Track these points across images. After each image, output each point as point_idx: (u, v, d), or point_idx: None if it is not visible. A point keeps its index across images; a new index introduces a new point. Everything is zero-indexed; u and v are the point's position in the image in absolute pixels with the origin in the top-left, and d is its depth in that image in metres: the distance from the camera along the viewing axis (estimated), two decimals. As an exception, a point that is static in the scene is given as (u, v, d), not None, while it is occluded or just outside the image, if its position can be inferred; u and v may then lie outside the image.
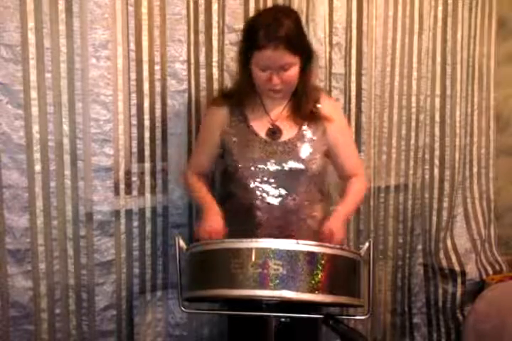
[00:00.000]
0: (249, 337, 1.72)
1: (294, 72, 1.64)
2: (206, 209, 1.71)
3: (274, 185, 1.72)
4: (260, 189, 1.72)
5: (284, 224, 1.75)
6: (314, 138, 1.75)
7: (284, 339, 1.46)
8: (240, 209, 1.74)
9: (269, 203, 1.73)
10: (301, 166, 1.72)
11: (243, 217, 1.74)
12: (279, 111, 1.77)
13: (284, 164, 1.71)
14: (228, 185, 1.80)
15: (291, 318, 1.39)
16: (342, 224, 1.69)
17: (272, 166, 1.71)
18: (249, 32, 1.64)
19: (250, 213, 1.74)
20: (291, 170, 1.72)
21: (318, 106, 1.77)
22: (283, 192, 1.73)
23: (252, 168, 1.71)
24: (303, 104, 1.74)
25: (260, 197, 1.73)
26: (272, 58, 1.59)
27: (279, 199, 1.73)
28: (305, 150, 1.73)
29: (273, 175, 1.72)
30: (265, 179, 1.72)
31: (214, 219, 1.66)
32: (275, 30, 1.56)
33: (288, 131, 1.75)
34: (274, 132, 1.74)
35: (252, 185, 1.72)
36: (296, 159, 1.72)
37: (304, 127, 1.75)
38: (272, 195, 1.73)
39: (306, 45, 1.69)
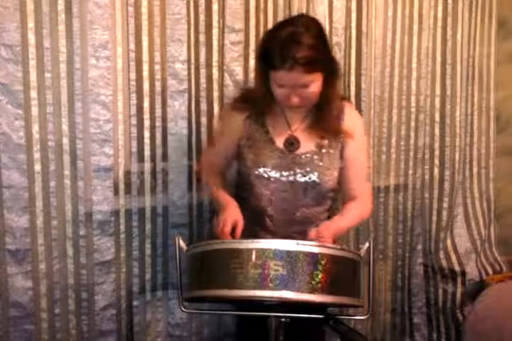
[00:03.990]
0: (254, 337, 1.70)
1: (314, 88, 1.53)
2: (226, 202, 1.62)
3: (286, 197, 1.67)
4: (272, 198, 1.67)
5: (292, 234, 1.70)
6: (332, 152, 1.67)
7: (284, 339, 1.46)
8: (251, 215, 1.65)
9: (279, 213, 1.69)
10: (316, 180, 1.65)
11: (253, 223, 1.68)
12: (299, 122, 1.69)
13: (298, 177, 1.65)
14: (241, 189, 1.76)
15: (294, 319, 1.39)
16: (332, 233, 1.54)
17: (285, 177, 1.65)
18: (264, 49, 1.53)
19: (261, 220, 1.70)
20: (305, 183, 1.65)
21: (342, 118, 1.67)
22: (295, 203, 1.68)
23: (265, 176, 1.66)
24: (324, 117, 1.64)
25: (271, 206, 1.68)
26: (288, 78, 1.49)
27: (291, 210, 1.69)
28: (321, 165, 1.65)
29: (286, 186, 1.66)
30: (278, 189, 1.66)
31: (235, 211, 1.57)
32: (291, 51, 1.44)
33: (306, 144, 1.67)
34: (292, 143, 1.66)
35: (264, 194, 1.67)
36: (311, 173, 1.64)
37: (323, 141, 1.67)
38: (283, 205, 1.68)
39: (328, 59, 1.56)
